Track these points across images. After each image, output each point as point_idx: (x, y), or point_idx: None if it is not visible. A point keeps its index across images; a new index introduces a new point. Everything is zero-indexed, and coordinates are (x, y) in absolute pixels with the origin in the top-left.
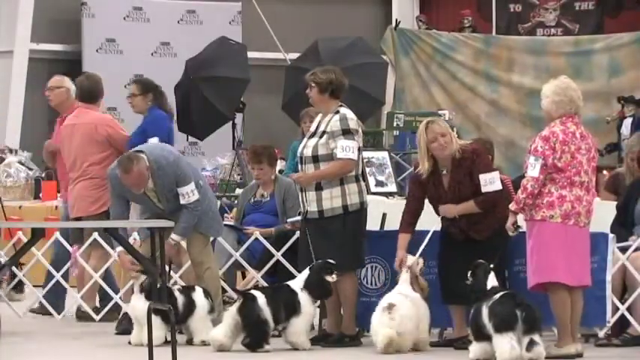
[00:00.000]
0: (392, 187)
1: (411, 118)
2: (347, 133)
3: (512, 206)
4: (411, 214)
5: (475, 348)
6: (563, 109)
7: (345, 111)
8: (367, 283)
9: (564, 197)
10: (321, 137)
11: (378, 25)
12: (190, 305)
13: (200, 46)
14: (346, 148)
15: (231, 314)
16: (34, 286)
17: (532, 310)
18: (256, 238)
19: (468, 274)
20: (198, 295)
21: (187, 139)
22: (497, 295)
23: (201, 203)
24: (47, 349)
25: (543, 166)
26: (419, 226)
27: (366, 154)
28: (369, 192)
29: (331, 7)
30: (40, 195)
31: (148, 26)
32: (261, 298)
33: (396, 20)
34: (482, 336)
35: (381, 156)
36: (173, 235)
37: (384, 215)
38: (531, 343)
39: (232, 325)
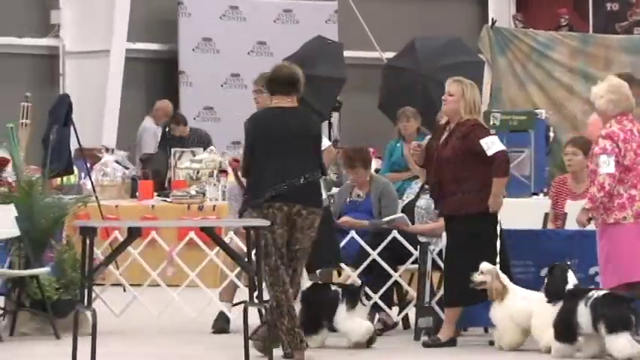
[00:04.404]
0: None
1: (508, 117)
2: None
3: (586, 205)
4: None
5: (560, 348)
6: (620, 108)
7: None
8: None
9: (634, 197)
10: None
11: (475, 24)
12: None
13: (296, 45)
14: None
15: None
16: (130, 285)
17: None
18: (352, 237)
19: (545, 274)
20: None
21: None
22: (599, 295)
23: None
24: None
25: (616, 163)
26: None
27: None
28: None
29: (427, 5)
30: (137, 194)
31: (245, 25)
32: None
33: (493, 19)
34: (571, 336)
35: None
36: None
37: None
38: None
39: None
